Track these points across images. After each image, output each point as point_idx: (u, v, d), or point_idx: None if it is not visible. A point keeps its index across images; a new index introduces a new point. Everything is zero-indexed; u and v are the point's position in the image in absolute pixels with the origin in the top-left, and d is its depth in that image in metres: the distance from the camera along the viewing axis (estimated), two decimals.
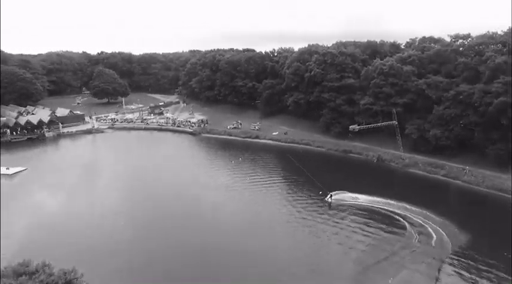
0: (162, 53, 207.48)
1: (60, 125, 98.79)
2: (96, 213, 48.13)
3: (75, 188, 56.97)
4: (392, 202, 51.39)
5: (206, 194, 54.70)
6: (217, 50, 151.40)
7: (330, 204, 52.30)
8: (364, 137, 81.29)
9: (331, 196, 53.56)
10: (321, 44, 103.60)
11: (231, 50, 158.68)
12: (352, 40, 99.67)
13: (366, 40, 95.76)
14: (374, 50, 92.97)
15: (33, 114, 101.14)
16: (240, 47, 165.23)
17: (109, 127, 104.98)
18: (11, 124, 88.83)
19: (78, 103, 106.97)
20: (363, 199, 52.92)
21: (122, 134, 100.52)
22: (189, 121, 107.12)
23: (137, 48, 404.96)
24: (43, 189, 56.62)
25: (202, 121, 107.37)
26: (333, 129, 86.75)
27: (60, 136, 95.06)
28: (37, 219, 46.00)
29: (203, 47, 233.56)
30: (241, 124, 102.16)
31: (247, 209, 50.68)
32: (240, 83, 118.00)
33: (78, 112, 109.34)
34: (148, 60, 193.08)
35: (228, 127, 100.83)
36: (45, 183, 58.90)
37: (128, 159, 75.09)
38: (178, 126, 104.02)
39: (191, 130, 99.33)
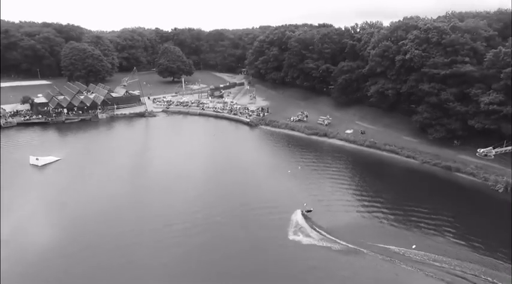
0: (232, 29, 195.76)
1: (115, 106, 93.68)
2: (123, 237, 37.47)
3: (105, 193, 47.64)
4: None
5: (245, 235, 39.23)
6: (288, 25, 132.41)
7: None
8: (480, 147, 57.61)
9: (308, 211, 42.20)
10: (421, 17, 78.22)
11: (304, 25, 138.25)
12: (472, 10, 72.25)
13: (496, 9, 67.62)
14: (507, 24, 65.08)
15: (93, 93, 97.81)
16: (316, 22, 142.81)
17: (163, 110, 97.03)
18: (64, 104, 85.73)
19: (125, 85, 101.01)
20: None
21: (175, 120, 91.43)
22: (247, 109, 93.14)
23: (208, 23, 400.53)
24: (64, 193, 48.28)
25: (262, 109, 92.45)
26: (431, 133, 63.95)
27: (113, 118, 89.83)
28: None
29: (277, 23, 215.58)
30: (307, 116, 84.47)
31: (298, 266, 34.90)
32: (311, 65, 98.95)
33: (136, 92, 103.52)
34: (217, 37, 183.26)
35: (292, 118, 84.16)
36: (71, 182, 50.75)
37: (173, 153, 64.40)
38: (234, 114, 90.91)
39: (248, 120, 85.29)
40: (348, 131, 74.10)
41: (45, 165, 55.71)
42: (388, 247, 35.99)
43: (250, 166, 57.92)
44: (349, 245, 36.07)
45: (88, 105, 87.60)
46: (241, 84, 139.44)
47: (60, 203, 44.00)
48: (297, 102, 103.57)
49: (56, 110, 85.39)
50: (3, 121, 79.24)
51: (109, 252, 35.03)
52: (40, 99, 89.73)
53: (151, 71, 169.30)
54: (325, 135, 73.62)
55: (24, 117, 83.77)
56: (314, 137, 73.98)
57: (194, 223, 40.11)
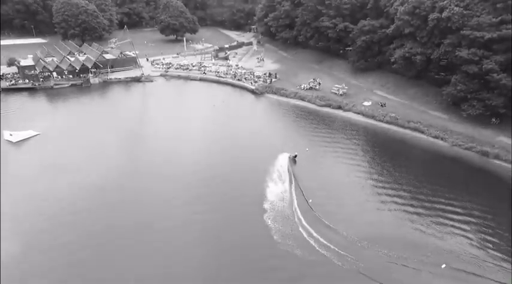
0: None
1: (109, 70, 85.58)
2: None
3: (85, 180, 41.79)
4: None
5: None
6: None
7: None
8: None
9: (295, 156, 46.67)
10: None
11: None
12: None
13: None
14: None
15: (85, 54, 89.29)
16: None
17: (161, 74, 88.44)
18: (51, 68, 78.01)
19: (112, 47, 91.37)
20: None
21: (173, 85, 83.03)
22: (253, 74, 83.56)
23: None
24: (33, 181, 42.60)
25: (269, 74, 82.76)
26: (466, 109, 54.34)
27: (106, 83, 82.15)
28: None
29: None
30: (319, 83, 74.88)
31: None
32: (327, 23, 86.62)
33: (132, 53, 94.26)
34: None
35: (302, 86, 74.77)
36: (45, 165, 44.72)
37: (167, 126, 57.74)
38: (239, 80, 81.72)
39: (253, 88, 76.33)
40: (366, 103, 64.89)
41: (20, 141, 49.68)
42: (405, 258, 29.39)
43: (249, 146, 50.52)
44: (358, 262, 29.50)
45: (77, 68, 79.66)
46: (250, 43, 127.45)
47: (25, 195, 38.29)
48: (310, 65, 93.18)
49: (43, 74, 78.03)
50: None
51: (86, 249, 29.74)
52: (27, 61, 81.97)
53: (155, 29, 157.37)
54: (339, 107, 64.66)
55: (10, 81, 77.00)
56: (326, 109, 65.16)
57: (177, 216, 34.15)
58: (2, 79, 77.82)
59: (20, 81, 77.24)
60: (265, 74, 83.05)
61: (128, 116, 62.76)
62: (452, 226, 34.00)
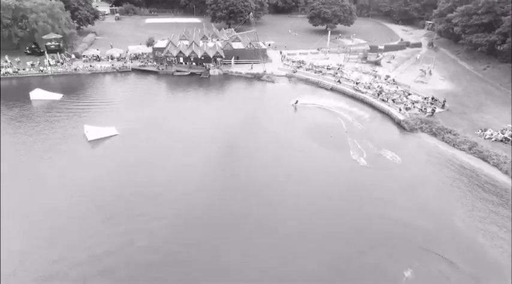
0: None
1: (232, 61, 75.75)
2: None
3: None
4: None
5: None
6: None
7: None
8: None
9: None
10: None
11: None
12: None
13: None
14: None
15: (218, 40, 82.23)
16: None
17: (286, 75, 72.75)
18: (174, 53, 72.94)
19: (225, 39, 78.30)
20: None
21: (295, 91, 65.38)
22: (407, 95, 57.67)
23: None
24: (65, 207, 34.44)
25: (433, 100, 55.27)
26: None
27: (226, 76, 72.66)
28: None
29: None
30: None
31: None
32: None
33: (267, 43, 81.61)
34: None
35: (489, 132, 45.43)
36: (93, 183, 36.62)
37: (258, 159, 42.54)
38: (383, 100, 57.60)
39: (400, 118, 51.42)
40: None
41: (94, 140, 43.56)
42: None
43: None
44: None
45: (199, 56, 72.50)
46: (418, 45, 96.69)
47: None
48: (507, 93, 59.92)
49: (170, 58, 74.21)
50: (120, 64, 74.08)
51: None
52: (162, 43, 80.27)
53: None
54: None
55: (141, 62, 76.67)
56: None
57: None
58: (138, 59, 78.57)
59: (149, 63, 75.91)
60: (426, 98, 56.07)
61: (230, 123, 50.18)
62: None
